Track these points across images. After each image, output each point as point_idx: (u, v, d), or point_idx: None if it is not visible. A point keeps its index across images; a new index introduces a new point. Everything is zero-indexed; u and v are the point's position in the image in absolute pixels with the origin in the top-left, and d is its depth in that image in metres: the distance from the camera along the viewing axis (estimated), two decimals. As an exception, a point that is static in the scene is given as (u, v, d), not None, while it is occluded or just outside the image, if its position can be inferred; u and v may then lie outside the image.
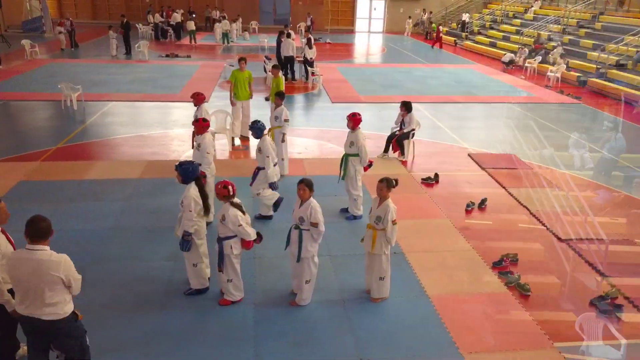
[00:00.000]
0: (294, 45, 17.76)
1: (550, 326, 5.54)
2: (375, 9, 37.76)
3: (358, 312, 5.67)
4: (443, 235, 7.45)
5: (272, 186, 7.31)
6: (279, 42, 18.20)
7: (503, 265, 6.70)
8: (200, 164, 6.96)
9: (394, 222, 5.50)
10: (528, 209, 8.43)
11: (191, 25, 27.64)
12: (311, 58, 18.34)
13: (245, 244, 5.49)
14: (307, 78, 18.39)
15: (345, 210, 8.02)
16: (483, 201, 8.58)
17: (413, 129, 10.64)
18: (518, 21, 28.45)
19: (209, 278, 5.92)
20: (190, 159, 7.14)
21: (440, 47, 28.86)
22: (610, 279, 6.45)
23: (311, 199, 5.38)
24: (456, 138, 12.24)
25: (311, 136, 12.10)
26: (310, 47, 18.20)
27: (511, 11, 30.48)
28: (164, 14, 31.06)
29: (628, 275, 6.57)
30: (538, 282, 6.41)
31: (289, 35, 18.01)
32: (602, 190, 9.35)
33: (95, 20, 35.59)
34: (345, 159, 7.70)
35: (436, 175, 9.65)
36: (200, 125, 7.04)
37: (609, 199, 9.03)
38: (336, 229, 7.57)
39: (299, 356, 4.96)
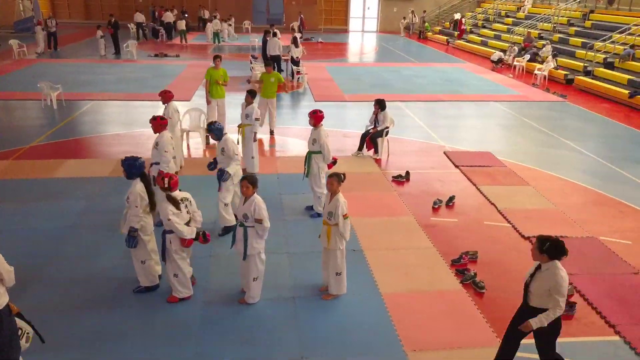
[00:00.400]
0: (279, 44, 17.72)
1: (501, 324, 5.47)
2: (368, 8, 37.72)
3: (307, 309, 5.63)
4: (406, 233, 7.40)
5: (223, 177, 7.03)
6: (264, 41, 18.16)
7: (462, 263, 6.66)
8: (158, 163, 6.97)
9: (345, 217, 5.45)
10: (496, 207, 8.38)
11: (182, 25, 27.63)
12: (297, 57, 18.29)
13: (182, 241, 5.43)
14: (292, 77, 18.34)
15: (310, 208, 7.98)
16: (451, 198, 8.53)
17: (387, 127, 10.59)
18: (510, 20, 28.37)
19: (159, 276, 5.88)
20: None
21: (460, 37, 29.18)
22: (572, 276, 6.37)
23: (255, 195, 5.33)
24: (435, 136, 12.19)
25: (290, 134, 12.06)
26: (297, 47, 18.16)
27: (504, 10, 30.39)
28: (156, 13, 31.05)
29: (587, 273, 6.51)
30: (495, 279, 6.36)
31: (274, 35, 17.96)
32: (575, 188, 9.29)
33: (89, 20, 35.57)
34: (308, 156, 7.66)
35: (407, 173, 9.60)
36: (158, 123, 7.00)
37: (581, 196, 8.96)
38: (299, 226, 7.54)
39: (240, 355, 4.92)
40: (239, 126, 9.21)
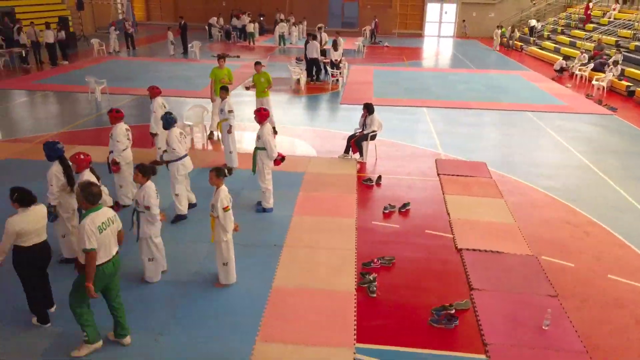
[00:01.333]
0: (317, 47, 18.15)
1: (368, 329, 5.51)
2: (446, 12, 36.83)
3: (192, 293, 6.02)
4: (336, 234, 7.51)
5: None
6: (306, 44, 18.69)
7: (371, 267, 6.68)
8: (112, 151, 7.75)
9: (225, 209, 5.77)
10: (449, 216, 8.17)
11: (250, 28, 29.01)
12: (336, 60, 18.62)
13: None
14: (330, 79, 18.67)
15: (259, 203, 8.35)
16: (404, 205, 8.45)
17: (374, 131, 10.62)
18: (591, 26, 26.39)
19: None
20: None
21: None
22: (474, 292, 6.18)
23: (148, 183, 5.82)
24: (438, 143, 11.94)
25: (296, 134, 12.44)
26: (336, 50, 18.49)
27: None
28: (235, 16, 32.83)
29: (497, 290, 6.24)
30: (395, 286, 6.32)
31: (314, 38, 18.43)
32: (552, 205, 8.75)
33: (177, 22, 38.34)
34: (254, 153, 8.03)
35: (379, 177, 9.62)
36: (113, 115, 7.77)
37: (553, 213, 8.43)
38: (242, 219, 7.89)
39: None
40: (218, 123, 9.79)
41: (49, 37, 20.00)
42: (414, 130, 12.99)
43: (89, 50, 24.38)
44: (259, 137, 7.90)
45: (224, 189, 5.82)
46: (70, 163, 6.25)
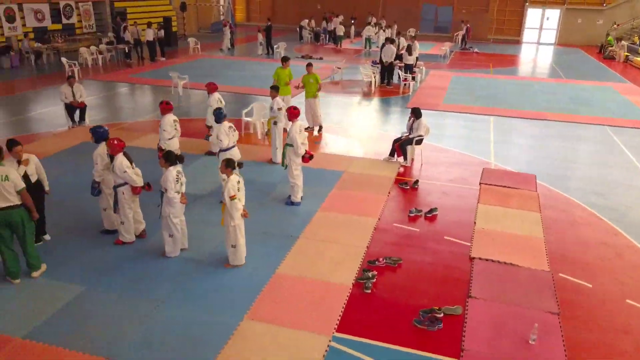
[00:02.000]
0: (392, 51, 18.24)
1: (356, 321, 5.74)
2: (547, 18, 34.88)
3: (201, 271, 6.60)
4: (353, 231, 7.74)
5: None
6: (382, 47, 18.86)
7: (375, 265, 6.85)
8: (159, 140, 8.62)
9: (231, 198, 6.27)
10: (474, 225, 8.06)
11: (339, 31, 29.64)
12: (411, 64, 18.59)
13: (134, 190, 6.88)
14: (403, 83, 18.70)
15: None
16: (431, 210, 8.46)
17: (420, 136, 10.64)
18: None
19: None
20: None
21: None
22: (470, 300, 6.14)
23: (170, 168, 6.49)
24: (492, 153, 11.64)
25: (346, 134, 12.75)
26: (410, 54, 18.47)
27: None
28: (326, 19, 33.69)
29: (493, 300, 6.13)
30: (393, 286, 6.46)
31: (391, 42, 18.55)
32: (595, 225, 8.28)
33: (275, 23, 40.06)
34: (284, 149, 8.48)
35: (416, 181, 9.65)
36: (163, 107, 8.64)
37: (593, 233, 7.98)
38: (267, 210, 8.41)
39: (127, 288, 6.18)
40: (268, 120, 10.39)
41: (149, 35, 22.03)
42: (471, 138, 12.73)
43: (186, 48, 26.39)
44: (288, 134, 8.35)
45: (232, 179, 6.32)
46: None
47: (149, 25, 22.43)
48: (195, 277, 6.47)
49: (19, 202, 5.93)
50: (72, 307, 5.84)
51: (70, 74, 13.88)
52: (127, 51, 22.27)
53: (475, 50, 29.90)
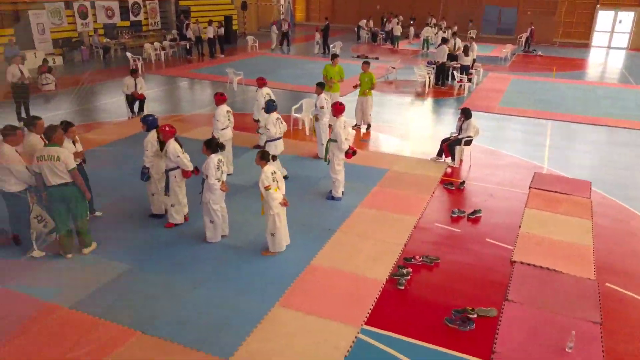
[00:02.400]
0: (446, 51, 17.93)
1: (386, 315, 5.72)
2: (620, 21, 33.06)
3: (240, 257, 6.79)
4: (391, 228, 7.70)
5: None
6: (437, 48, 18.57)
7: (411, 263, 6.78)
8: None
9: (266, 188, 6.41)
10: (519, 229, 7.81)
11: (397, 31, 29.41)
12: (468, 65, 18.20)
13: (184, 174, 7.19)
14: (459, 84, 18.33)
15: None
16: (475, 212, 8.28)
17: (469, 136, 10.42)
18: None
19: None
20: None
21: None
22: (507, 303, 5.97)
23: (211, 156, 6.72)
24: (545, 157, 11.22)
25: (394, 133, 12.67)
26: (467, 55, 18.08)
27: None
28: (384, 20, 33.52)
29: (532, 306, 5.93)
30: (428, 284, 6.38)
31: (446, 42, 18.23)
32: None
33: (333, 23, 40.28)
34: (327, 144, 8.55)
35: (462, 182, 9.47)
36: (217, 98, 9.01)
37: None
38: (307, 203, 8.50)
39: (169, 269, 6.46)
40: (314, 116, 10.51)
41: (210, 32, 22.75)
42: (525, 142, 12.31)
43: (245, 46, 27.02)
44: (332, 130, 8.42)
45: (266, 169, 6.46)
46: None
47: (210, 23, 23.15)
48: (232, 263, 6.66)
49: (71, 181, 6.32)
50: (116, 283, 6.17)
51: (134, 67, 14.57)
52: (188, 48, 23.08)
53: (539, 53, 28.81)
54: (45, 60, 17.35)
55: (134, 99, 13.19)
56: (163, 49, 22.88)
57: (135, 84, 12.88)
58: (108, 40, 23.31)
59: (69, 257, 6.64)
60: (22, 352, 5.03)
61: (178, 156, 7.04)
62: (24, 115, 12.63)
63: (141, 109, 13.40)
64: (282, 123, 8.81)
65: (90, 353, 5.01)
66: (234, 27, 29.77)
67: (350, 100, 13.51)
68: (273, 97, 10.82)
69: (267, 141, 8.76)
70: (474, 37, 24.32)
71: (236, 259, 6.75)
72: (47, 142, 6.50)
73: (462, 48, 18.29)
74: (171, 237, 7.33)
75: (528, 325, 5.60)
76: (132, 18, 25.32)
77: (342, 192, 8.69)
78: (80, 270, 6.43)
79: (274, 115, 8.74)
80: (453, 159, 10.50)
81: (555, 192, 9.21)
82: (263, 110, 9.42)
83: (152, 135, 7.42)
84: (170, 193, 7.33)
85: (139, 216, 7.89)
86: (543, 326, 5.59)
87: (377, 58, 25.07)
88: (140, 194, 8.36)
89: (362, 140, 12.08)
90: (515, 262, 6.89)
